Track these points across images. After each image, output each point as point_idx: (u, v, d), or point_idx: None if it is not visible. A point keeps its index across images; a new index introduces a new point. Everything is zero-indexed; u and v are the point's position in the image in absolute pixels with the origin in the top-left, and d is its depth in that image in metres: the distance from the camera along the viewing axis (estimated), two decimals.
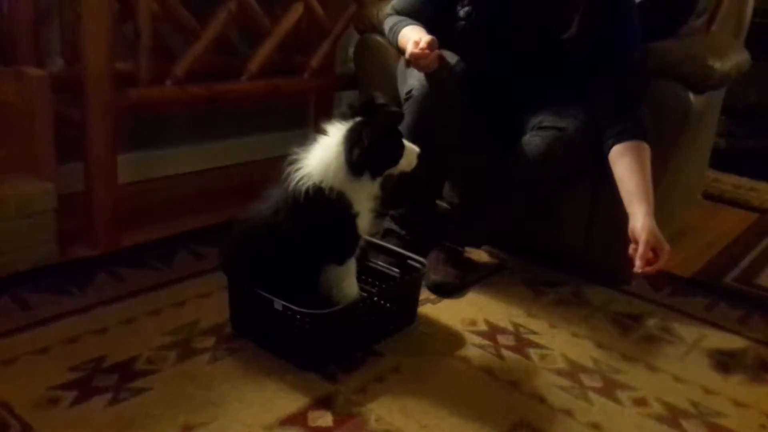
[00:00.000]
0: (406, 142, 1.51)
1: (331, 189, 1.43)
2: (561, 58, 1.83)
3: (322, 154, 1.44)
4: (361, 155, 1.40)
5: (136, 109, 2.03)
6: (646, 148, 1.74)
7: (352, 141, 1.42)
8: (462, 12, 1.89)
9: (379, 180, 1.50)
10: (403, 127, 1.79)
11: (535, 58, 1.88)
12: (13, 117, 1.79)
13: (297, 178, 1.43)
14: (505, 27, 1.86)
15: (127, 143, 2.35)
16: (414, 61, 1.73)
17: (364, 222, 1.52)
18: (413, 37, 1.75)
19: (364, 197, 1.49)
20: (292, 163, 1.46)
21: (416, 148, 1.53)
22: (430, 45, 1.69)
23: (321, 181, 1.42)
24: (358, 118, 1.45)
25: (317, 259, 1.52)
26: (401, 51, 1.88)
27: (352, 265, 1.56)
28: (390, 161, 1.49)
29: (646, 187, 1.69)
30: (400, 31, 1.86)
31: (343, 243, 1.52)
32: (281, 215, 1.47)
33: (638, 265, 1.60)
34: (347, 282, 1.55)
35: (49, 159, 1.82)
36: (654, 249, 1.61)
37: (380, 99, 1.47)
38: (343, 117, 1.46)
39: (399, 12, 1.96)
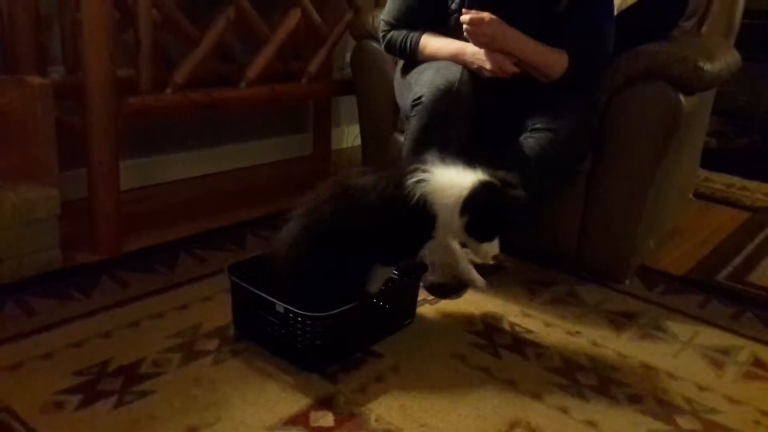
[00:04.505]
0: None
1: (433, 209, 1.49)
2: (554, 40, 1.85)
3: (453, 180, 1.50)
4: (487, 204, 1.48)
5: (137, 117, 2.05)
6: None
7: (489, 188, 1.49)
8: (453, 4, 1.92)
9: (464, 236, 1.54)
10: (410, 132, 1.84)
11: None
12: (15, 125, 1.82)
13: (419, 178, 1.49)
14: (497, 11, 1.86)
15: (128, 150, 2.38)
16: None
17: (429, 250, 1.58)
18: (450, 44, 1.89)
19: (447, 235, 1.55)
20: (424, 162, 1.53)
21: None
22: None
23: (430, 195, 1.48)
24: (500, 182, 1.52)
25: (369, 255, 1.57)
26: (435, 58, 1.92)
27: (389, 270, 1.66)
28: (485, 232, 1.54)
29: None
30: (419, 43, 1.94)
31: (404, 251, 1.59)
32: (370, 198, 1.51)
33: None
34: (375, 284, 1.61)
35: (51, 166, 1.84)
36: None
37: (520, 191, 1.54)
38: (491, 173, 1.52)
39: (395, 22, 1.99)
